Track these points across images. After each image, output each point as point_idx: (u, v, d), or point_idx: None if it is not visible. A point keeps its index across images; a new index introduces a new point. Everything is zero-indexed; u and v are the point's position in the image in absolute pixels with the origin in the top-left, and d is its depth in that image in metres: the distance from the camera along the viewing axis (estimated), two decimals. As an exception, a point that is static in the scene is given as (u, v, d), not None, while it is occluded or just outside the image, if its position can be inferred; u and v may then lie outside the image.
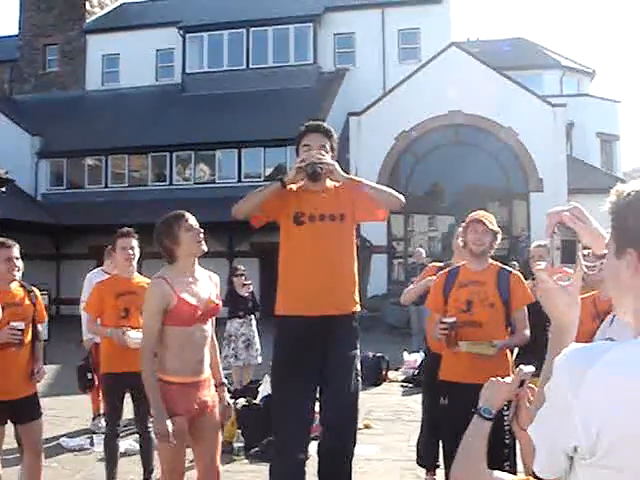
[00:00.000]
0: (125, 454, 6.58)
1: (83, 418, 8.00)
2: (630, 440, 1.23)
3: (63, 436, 7.27)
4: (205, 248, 4.01)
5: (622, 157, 28.33)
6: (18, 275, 4.87)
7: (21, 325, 4.70)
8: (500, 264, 4.54)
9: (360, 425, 7.42)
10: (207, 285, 4.07)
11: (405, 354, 11.59)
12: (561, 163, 20.03)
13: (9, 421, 4.89)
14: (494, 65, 21.31)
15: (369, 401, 9.03)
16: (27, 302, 4.92)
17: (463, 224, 4.64)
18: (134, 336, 5.26)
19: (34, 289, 5.07)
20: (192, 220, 4.00)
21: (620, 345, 1.33)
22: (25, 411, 4.84)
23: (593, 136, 25.70)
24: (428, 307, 4.80)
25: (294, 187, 4.19)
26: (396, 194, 4.15)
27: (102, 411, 7.81)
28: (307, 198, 4.12)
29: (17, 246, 4.86)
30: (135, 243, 5.58)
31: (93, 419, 7.73)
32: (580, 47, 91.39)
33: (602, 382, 1.26)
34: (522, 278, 4.42)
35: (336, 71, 26.06)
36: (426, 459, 5.68)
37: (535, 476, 1.46)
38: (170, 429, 3.73)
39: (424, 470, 5.74)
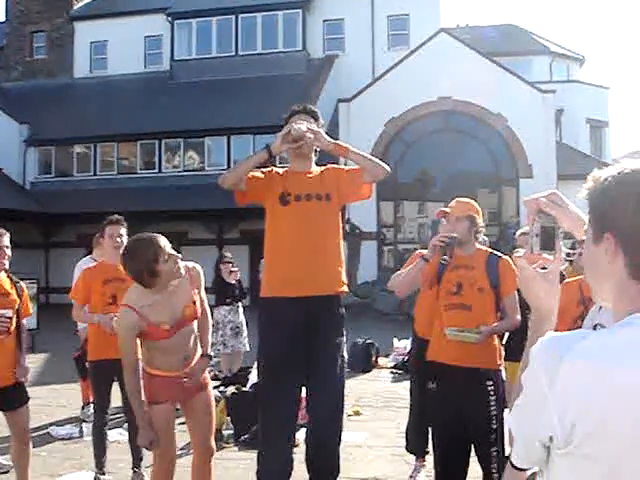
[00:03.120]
0: (115, 442, 6.60)
1: (72, 406, 7.99)
2: (605, 429, 1.23)
3: (52, 425, 7.26)
4: (183, 272, 4.00)
5: (611, 143, 28.34)
6: (7, 264, 4.88)
7: (9, 313, 4.74)
8: (489, 249, 4.52)
9: (349, 412, 7.48)
10: (181, 291, 4.04)
11: (395, 340, 11.62)
12: (551, 149, 20.06)
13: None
14: (483, 51, 21.30)
15: (359, 387, 9.06)
16: (13, 293, 4.94)
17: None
18: None
19: (21, 282, 5.09)
20: (166, 244, 3.95)
21: (596, 333, 1.33)
22: (12, 398, 4.87)
23: (583, 122, 25.72)
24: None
25: (280, 171, 4.20)
26: (382, 163, 4.17)
27: (91, 399, 7.81)
28: (293, 179, 4.13)
29: (7, 235, 4.88)
30: (124, 231, 5.55)
31: (82, 407, 7.71)
32: (569, 34, 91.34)
33: (577, 371, 1.25)
34: (511, 263, 4.39)
35: (325, 57, 25.98)
36: (415, 445, 5.70)
37: (514, 465, 1.46)
38: (152, 441, 3.96)
39: (413, 456, 5.76)
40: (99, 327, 5.36)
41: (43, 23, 28.98)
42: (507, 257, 4.40)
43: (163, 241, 3.95)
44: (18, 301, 4.95)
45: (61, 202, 22.86)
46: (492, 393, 4.16)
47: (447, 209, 4.37)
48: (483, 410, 4.13)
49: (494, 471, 4.11)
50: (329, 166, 4.28)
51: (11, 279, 4.98)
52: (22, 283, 5.10)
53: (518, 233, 5.17)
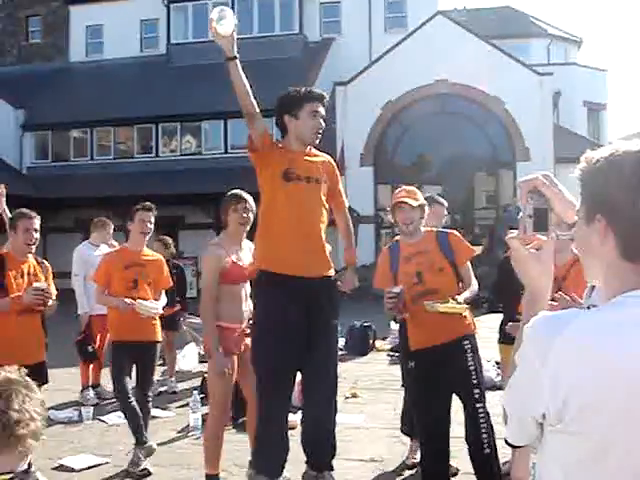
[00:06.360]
0: (114, 425, 6.65)
1: (70, 391, 8.00)
2: (596, 406, 1.25)
3: (51, 409, 7.27)
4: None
5: (609, 126, 28.29)
6: (34, 247, 5.05)
7: (44, 285, 4.86)
8: (435, 228, 4.60)
9: (347, 394, 7.52)
10: (247, 253, 4.78)
11: (392, 323, 11.62)
12: (548, 132, 20.02)
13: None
14: (481, 34, 21.20)
15: (356, 370, 9.10)
16: (40, 275, 5.08)
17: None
18: (145, 305, 5.36)
19: (46, 263, 5.24)
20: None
21: (588, 312, 1.35)
22: (34, 378, 4.96)
23: (580, 105, 25.65)
24: (377, 287, 4.70)
25: (288, 148, 4.25)
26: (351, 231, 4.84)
27: (90, 383, 7.85)
28: (296, 158, 4.20)
29: (38, 218, 5.10)
30: (153, 218, 5.65)
31: (81, 391, 7.75)
32: (567, 16, 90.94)
33: (570, 349, 1.27)
34: (460, 235, 4.52)
35: (322, 41, 25.84)
36: (410, 427, 5.73)
37: (508, 443, 1.48)
38: (227, 365, 4.53)
39: (409, 438, 5.80)
40: (120, 309, 5.48)
41: (38, 7, 28.81)
42: (453, 231, 4.56)
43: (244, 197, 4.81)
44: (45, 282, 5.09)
45: (58, 187, 22.79)
46: (468, 350, 4.24)
47: (405, 199, 4.38)
48: (461, 364, 4.22)
49: (485, 437, 4.16)
50: (330, 161, 4.43)
51: (37, 260, 5.15)
52: (47, 263, 5.25)
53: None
